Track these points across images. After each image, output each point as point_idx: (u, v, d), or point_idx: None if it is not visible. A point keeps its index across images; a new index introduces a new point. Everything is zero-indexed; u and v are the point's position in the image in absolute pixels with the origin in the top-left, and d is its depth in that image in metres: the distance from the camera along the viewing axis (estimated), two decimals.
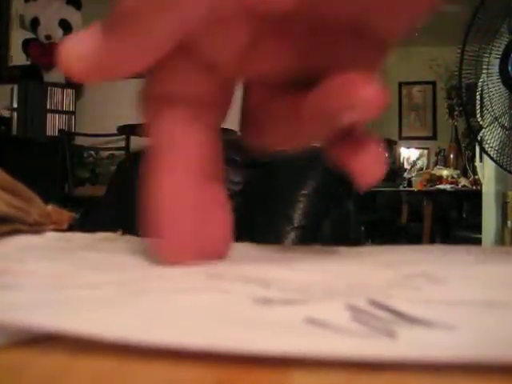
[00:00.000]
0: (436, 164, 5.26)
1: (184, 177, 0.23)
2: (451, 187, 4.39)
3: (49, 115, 3.98)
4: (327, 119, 0.22)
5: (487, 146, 2.46)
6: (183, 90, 0.24)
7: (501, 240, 2.76)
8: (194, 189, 0.23)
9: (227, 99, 0.25)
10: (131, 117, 3.62)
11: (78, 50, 0.21)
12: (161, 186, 0.23)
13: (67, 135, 3.78)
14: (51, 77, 4.01)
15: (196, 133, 0.24)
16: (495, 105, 2.47)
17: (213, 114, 0.25)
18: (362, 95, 0.20)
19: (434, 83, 5.89)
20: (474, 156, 3.94)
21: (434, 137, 6.04)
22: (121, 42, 0.21)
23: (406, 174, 5.25)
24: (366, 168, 0.24)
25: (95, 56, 0.21)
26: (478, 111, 2.58)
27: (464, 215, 4.40)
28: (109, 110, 4.02)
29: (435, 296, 0.18)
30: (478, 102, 2.58)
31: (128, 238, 0.33)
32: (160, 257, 0.23)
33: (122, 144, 3.72)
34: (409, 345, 0.13)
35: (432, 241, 4.02)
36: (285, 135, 0.25)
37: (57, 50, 0.21)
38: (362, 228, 3.62)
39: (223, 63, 0.24)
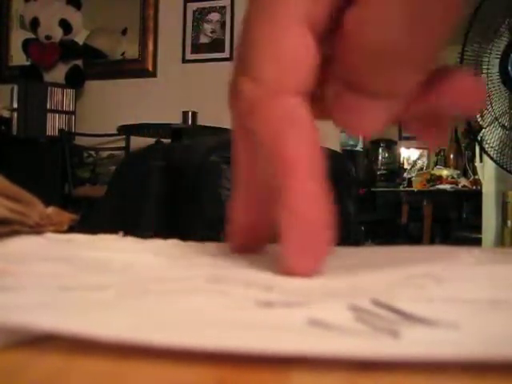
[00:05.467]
0: (436, 164, 5.26)
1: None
2: (451, 187, 4.39)
3: (49, 115, 3.97)
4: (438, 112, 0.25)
5: (487, 146, 2.46)
6: None
7: (501, 240, 2.75)
8: None
9: None
10: (131, 117, 3.62)
11: None
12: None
13: (67, 135, 3.77)
14: (51, 77, 4.01)
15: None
16: (495, 105, 2.46)
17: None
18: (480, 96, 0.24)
19: None
20: (473, 156, 3.93)
21: None
22: None
23: (405, 174, 5.24)
24: (467, 92, 0.24)
25: None
26: None
27: (464, 215, 4.39)
28: (109, 110, 4.02)
29: (438, 295, 0.18)
30: None
31: (129, 238, 0.33)
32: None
33: (122, 144, 3.72)
34: (412, 344, 0.13)
35: (432, 241, 4.02)
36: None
37: None
38: (362, 228, 3.62)
39: None
